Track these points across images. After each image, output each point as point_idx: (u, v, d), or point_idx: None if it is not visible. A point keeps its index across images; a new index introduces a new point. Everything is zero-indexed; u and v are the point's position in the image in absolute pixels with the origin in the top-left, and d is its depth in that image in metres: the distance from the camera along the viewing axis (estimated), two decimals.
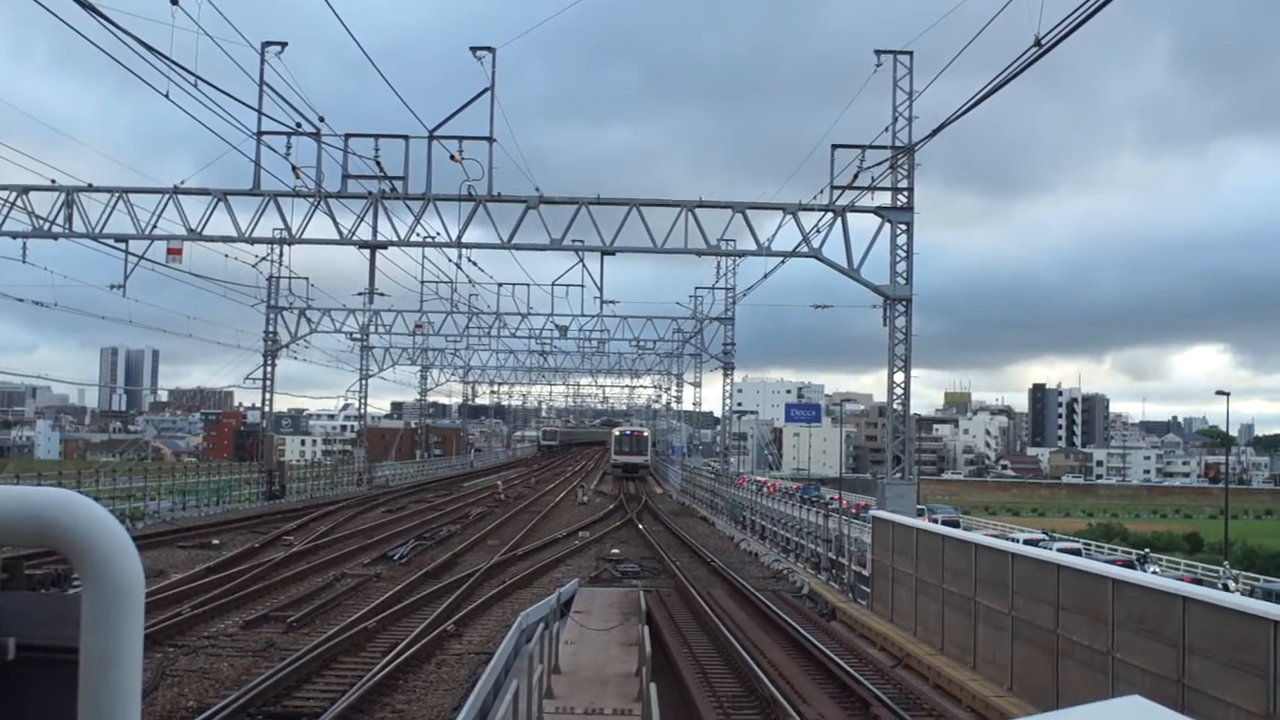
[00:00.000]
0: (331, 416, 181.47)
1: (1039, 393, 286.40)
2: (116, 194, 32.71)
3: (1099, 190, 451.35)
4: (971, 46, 22.20)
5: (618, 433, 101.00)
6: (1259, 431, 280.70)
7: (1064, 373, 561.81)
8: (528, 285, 58.79)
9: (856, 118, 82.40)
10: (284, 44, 30.73)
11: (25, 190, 32.54)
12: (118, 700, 1.95)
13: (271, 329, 59.09)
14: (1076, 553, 42.72)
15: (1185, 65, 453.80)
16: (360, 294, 56.26)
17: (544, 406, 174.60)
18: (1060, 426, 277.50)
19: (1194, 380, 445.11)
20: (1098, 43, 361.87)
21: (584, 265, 37.86)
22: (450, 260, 46.16)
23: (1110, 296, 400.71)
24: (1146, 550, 65.34)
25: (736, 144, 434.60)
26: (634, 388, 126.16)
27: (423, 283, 57.97)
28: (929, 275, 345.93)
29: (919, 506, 35.30)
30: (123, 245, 33.96)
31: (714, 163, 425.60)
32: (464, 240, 34.71)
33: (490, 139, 31.59)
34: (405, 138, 31.66)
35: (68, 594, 2.19)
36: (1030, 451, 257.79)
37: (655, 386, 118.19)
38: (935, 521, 37.98)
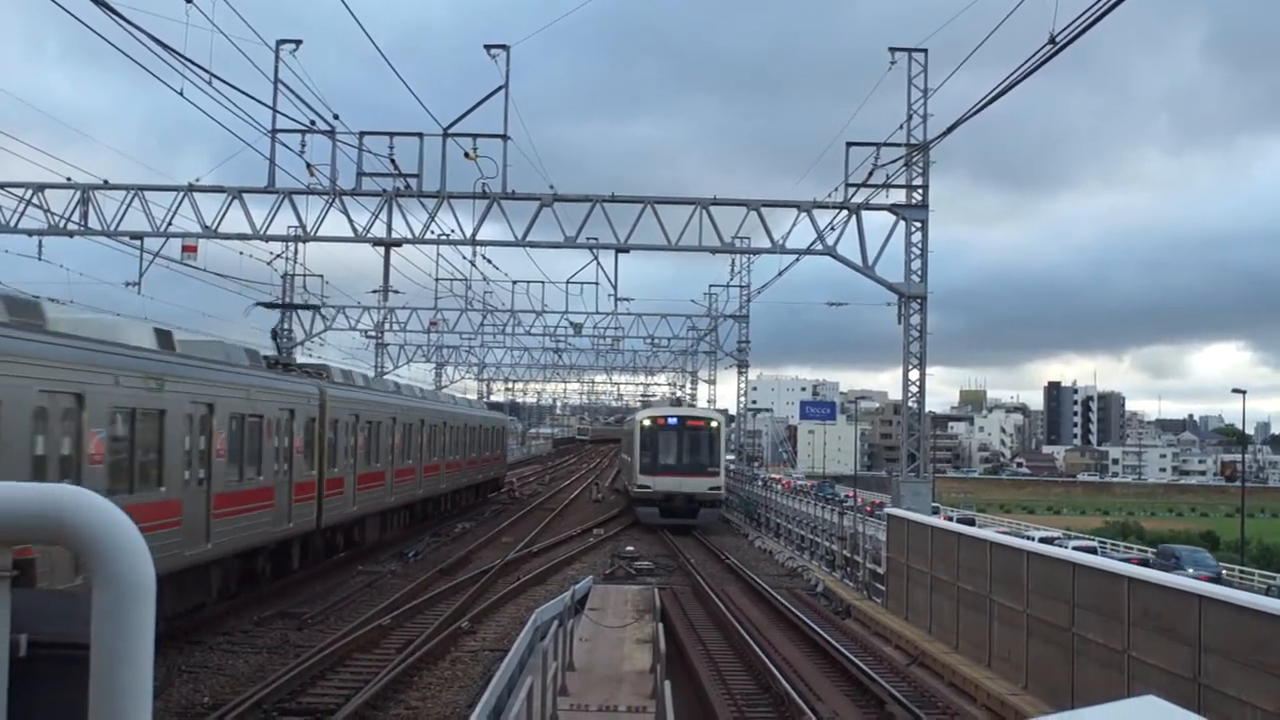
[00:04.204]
0: None
1: (1054, 390, 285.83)
2: (132, 191, 32.76)
3: (1124, 185, 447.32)
4: (994, 39, 21.98)
5: (647, 421, 47.85)
6: (1276, 429, 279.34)
7: (1082, 370, 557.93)
8: (542, 283, 58.67)
9: (873, 114, 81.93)
10: (299, 42, 30.72)
11: (40, 188, 32.62)
12: (129, 696, 1.94)
13: (286, 326, 59.18)
14: (1092, 551, 42.58)
15: (1217, 56, 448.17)
16: (375, 291, 56.46)
17: (559, 404, 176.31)
18: (1076, 424, 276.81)
19: (1212, 378, 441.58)
20: (1127, 33, 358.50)
21: (598, 262, 37.77)
22: (465, 257, 46.07)
23: (1131, 293, 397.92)
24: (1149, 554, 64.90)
25: (754, 139, 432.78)
26: (649, 385, 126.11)
27: (437, 280, 57.98)
28: (950, 272, 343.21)
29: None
30: (138, 243, 34.00)
31: (732, 158, 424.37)
32: (478, 238, 34.69)
33: (505, 137, 31.57)
34: (420, 135, 31.66)
35: (79, 591, 2.18)
36: (1045, 449, 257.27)
37: (670, 384, 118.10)
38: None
